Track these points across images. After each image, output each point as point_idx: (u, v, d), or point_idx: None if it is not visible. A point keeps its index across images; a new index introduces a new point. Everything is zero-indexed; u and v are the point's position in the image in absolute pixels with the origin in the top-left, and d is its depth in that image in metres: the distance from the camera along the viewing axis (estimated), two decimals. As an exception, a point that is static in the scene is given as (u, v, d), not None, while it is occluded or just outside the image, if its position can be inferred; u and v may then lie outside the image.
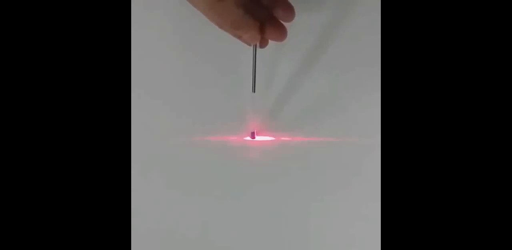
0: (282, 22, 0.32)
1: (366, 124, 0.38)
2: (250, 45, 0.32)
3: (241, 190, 0.38)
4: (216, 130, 0.38)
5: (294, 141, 0.38)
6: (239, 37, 0.31)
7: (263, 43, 0.33)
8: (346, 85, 0.38)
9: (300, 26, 0.35)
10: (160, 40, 0.39)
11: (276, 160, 0.38)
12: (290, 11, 0.32)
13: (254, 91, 0.35)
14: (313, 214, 0.38)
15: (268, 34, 0.32)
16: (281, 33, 0.32)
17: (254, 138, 0.38)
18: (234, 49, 0.35)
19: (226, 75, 0.38)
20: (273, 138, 0.38)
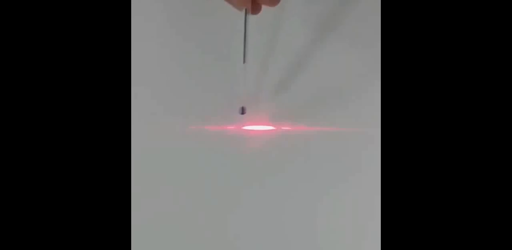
0: None
1: (367, 114, 0.37)
2: (241, 10, 0.31)
3: (241, 180, 0.38)
4: (213, 119, 0.38)
5: (295, 131, 0.38)
6: (230, 1, 0.30)
7: (255, 9, 0.31)
8: (347, 76, 0.38)
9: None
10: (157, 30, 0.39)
11: (276, 149, 0.38)
12: None
13: (245, 62, 0.33)
14: (313, 204, 0.38)
15: None
16: None
17: (244, 113, 0.37)
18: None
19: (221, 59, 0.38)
20: (273, 128, 0.38)
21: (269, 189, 0.38)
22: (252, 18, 0.32)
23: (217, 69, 0.38)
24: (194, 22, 0.38)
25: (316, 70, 0.38)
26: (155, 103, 0.39)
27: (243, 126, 0.38)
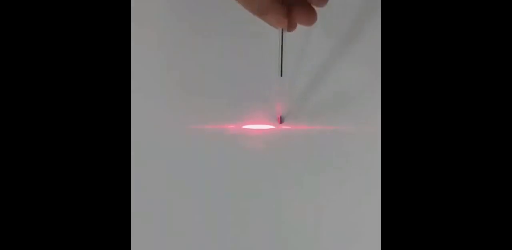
0: (313, 6, 0.31)
1: (367, 113, 0.37)
2: (277, 28, 0.31)
3: (241, 179, 0.38)
4: (213, 118, 0.38)
5: (295, 130, 0.38)
6: (267, 22, 0.30)
7: (291, 27, 0.32)
8: (346, 74, 0.38)
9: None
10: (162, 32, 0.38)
11: (276, 149, 0.38)
12: None
13: (281, 76, 0.34)
14: (313, 204, 0.38)
15: (296, 18, 0.31)
16: (310, 17, 0.31)
17: (281, 122, 0.37)
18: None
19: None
20: (273, 127, 0.38)
21: (269, 188, 0.38)
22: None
23: (217, 69, 0.38)
24: (196, 19, 0.38)
25: (317, 72, 0.38)
26: (155, 103, 0.38)
27: (243, 125, 0.38)
